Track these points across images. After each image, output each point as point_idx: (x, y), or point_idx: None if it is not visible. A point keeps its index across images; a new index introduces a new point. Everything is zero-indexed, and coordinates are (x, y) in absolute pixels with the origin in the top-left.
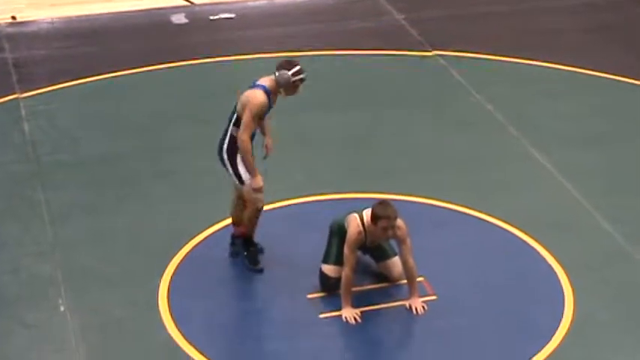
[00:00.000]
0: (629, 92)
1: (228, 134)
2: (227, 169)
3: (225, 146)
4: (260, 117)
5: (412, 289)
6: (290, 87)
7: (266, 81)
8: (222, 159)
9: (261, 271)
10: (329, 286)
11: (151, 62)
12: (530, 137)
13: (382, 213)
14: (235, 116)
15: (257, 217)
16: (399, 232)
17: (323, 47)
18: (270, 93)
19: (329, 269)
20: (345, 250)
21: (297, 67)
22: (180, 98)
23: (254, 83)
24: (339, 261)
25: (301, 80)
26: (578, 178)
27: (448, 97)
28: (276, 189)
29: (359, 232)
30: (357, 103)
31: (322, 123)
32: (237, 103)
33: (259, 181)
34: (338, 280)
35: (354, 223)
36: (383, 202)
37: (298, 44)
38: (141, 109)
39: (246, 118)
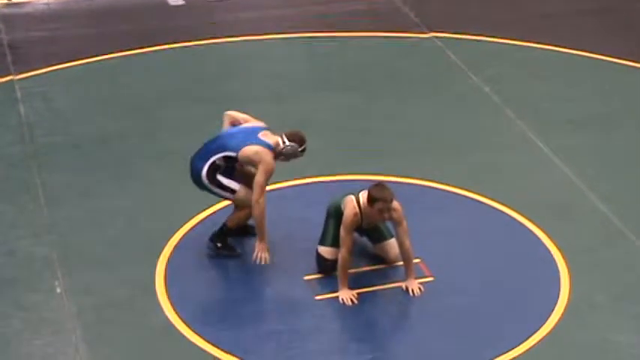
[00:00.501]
0: (626, 75)
1: (210, 162)
2: (211, 192)
3: (204, 173)
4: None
5: (408, 271)
6: (291, 157)
7: (271, 139)
8: (201, 184)
9: (239, 255)
10: (326, 268)
11: (148, 44)
12: (527, 119)
13: (378, 195)
14: (231, 154)
15: (248, 219)
16: (395, 214)
17: (319, 29)
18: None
19: (326, 251)
20: (342, 231)
21: (305, 144)
22: (177, 80)
23: (256, 136)
24: (335, 243)
25: (303, 153)
26: (575, 160)
27: (445, 79)
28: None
29: (355, 214)
30: (353, 85)
31: (318, 105)
32: (225, 135)
33: (267, 250)
34: (335, 261)
35: (350, 205)
36: (379, 185)
37: (295, 26)
38: (137, 91)
39: (260, 181)
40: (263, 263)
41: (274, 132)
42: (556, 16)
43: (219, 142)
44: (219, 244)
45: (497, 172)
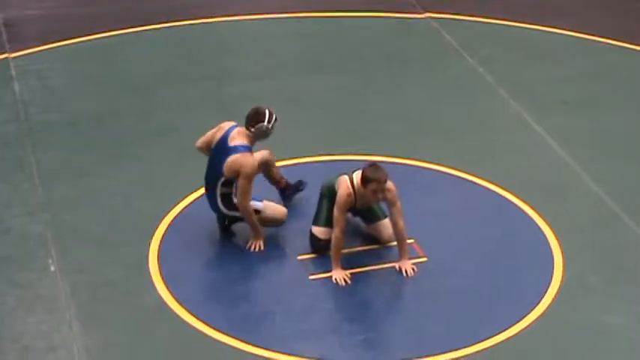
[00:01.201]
0: (621, 56)
1: (218, 194)
2: (236, 217)
3: (220, 206)
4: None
5: (402, 251)
6: (267, 134)
7: (243, 138)
8: (224, 214)
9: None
10: (319, 248)
11: (144, 22)
12: (521, 100)
13: (372, 176)
14: (223, 179)
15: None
16: (388, 195)
17: (314, 9)
18: (252, 149)
19: (319, 231)
20: (335, 212)
21: (269, 113)
22: (173, 59)
23: (228, 147)
24: (329, 223)
25: (276, 122)
26: (568, 141)
27: (440, 60)
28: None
29: (348, 195)
30: (347, 66)
31: (313, 85)
32: (210, 164)
33: (262, 240)
34: (328, 241)
35: (343, 185)
36: (373, 165)
37: (290, 5)
38: (133, 70)
39: (243, 186)
40: (257, 250)
41: (241, 125)
42: None
43: (210, 174)
44: (226, 222)
45: (491, 153)
